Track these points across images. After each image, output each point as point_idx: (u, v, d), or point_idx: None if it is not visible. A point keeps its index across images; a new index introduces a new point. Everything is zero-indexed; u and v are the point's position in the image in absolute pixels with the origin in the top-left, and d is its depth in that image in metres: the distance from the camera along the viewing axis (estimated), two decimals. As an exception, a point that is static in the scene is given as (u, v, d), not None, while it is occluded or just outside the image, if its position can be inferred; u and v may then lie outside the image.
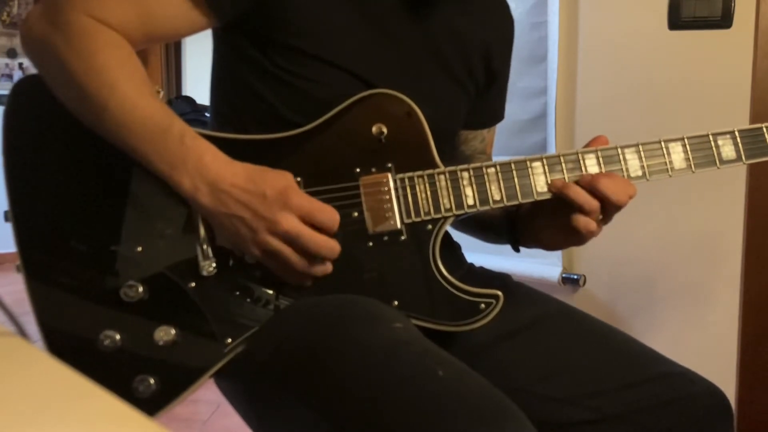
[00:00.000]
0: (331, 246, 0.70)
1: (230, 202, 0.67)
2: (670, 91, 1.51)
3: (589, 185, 0.74)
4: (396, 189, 0.75)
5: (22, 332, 0.46)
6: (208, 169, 0.67)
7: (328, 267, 0.72)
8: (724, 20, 1.44)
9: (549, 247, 0.84)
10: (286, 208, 0.67)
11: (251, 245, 0.69)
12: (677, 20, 1.48)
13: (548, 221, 0.80)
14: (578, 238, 0.77)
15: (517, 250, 0.89)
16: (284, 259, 0.69)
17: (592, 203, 0.74)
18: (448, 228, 0.96)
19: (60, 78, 0.71)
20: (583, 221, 0.75)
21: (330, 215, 0.69)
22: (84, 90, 0.68)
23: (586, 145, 0.79)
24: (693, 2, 1.46)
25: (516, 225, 0.87)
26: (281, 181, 0.68)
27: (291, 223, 0.67)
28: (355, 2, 0.79)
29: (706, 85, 1.47)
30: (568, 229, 0.77)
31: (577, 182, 0.76)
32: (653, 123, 1.51)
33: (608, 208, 0.75)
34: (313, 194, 0.74)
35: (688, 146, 0.78)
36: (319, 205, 0.69)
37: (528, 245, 0.87)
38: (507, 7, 0.96)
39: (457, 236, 0.98)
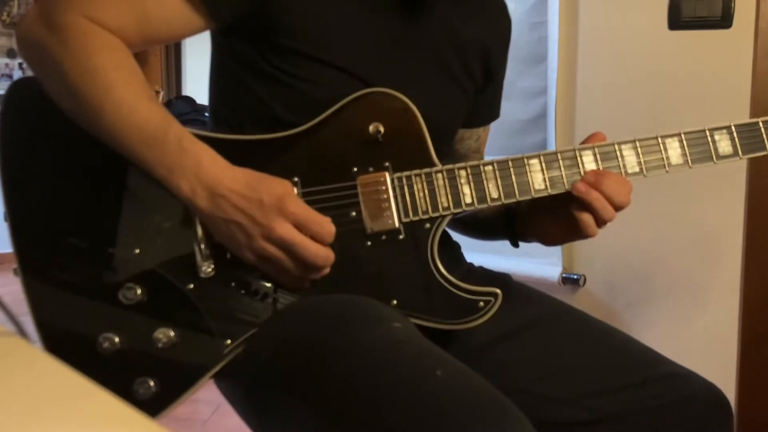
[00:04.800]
0: (325, 255, 0.69)
1: (227, 206, 0.67)
2: (670, 91, 1.51)
3: (593, 186, 0.74)
4: (394, 188, 0.75)
5: (22, 332, 0.46)
6: (206, 172, 0.67)
7: (324, 272, 0.71)
8: (724, 20, 1.44)
9: (548, 241, 0.83)
10: (282, 216, 0.67)
11: (247, 250, 0.69)
12: (677, 20, 1.48)
13: (548, 214, 0.80)
14: (579, 234, 0.77)
15: (516, 245, 0.89)
16: (279, 265, 0.69)
17: (611, 213, 0.74)
18: (447, 227, 0.96)
19: (56, 80, 0.71)
20: (586, 218, 0.75)
21: (324, 227, 0.69)
22: (80, 93, 0.68)
23: (584, 142, 0.79)
24: (693, 2, 1.46)
25: (515, 220, 0.87)
26: (279, 188, 0.68)
27: (286, 230, 0.67)
28: (353, 3, 0.79)
29: (706, 85, 1.47)
30: (568, 223, 0.77)
31: (579, 181, 0.75)
32: (653, 123, 1.51)
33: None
34: (310, 194, 0.74)
35: (684, 141, 0.78)
36: (315, 216, 0.69)
37: (527, 240, 0.87)
38: (504, 6, 0.96)
39: (457, 236, 0.98)
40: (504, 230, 0.89)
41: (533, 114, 1.73)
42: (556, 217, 0.79)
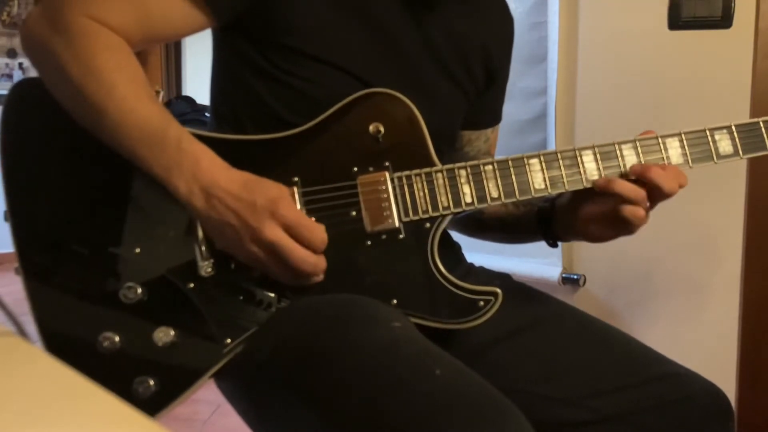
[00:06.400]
0: (314, 262, 0.68)
1: (221, 207, 0.67)
2: (670, 91, 1.51)
3: (641, 175, 0.75)
4: (394, 188, 0.75)
5: (22, 332, 0.46)
6: (203, 173, 0.67)
7: (317, 278, 0.71)
8: (724, 20, 1.44)
9: (597, 239, 0.81)
10: (272, 218, 0.66)
11: (238, 252, 0.69)
12: (677, 20, 1.48)
13: (594, 213, 0.79)
14: (628, 227, 0.77)
15: (554, 245, 0.88)
16: (267, 268, 0.69)
17: (639, 193, 0.74)
18: (465, 234, 0.96)
19: (59, 80, 0.71)
20: (629, 210, 0.75)
21: (315, 233, 0.68)
22: (82, 92, 0.68)
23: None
24: (693, 2, 1.46)
25: (553, 219, 0.86)
26: (274, 191, 0.68)
27: (274, 233, 0.66)
28: (354, 3, 0.79)
29: (706, 86, 1.47)
30: (616, 220, 0.77)
31: (626, 173, 0.76)
32: (653, 123, 1.49)
33: (656, 197, 0.76)
34: (310, 193, 0.74)
35: (685, 141, 0.78)
36: (306, 221, 0.68)
37: (568, 239, 0.87)
38: (506, 6, 0.96)
39: (457, 236, 0.98)
40: (539, 231, 0.88)
41: (533, 114, 1.73)
42: (604, 216, 0.78)
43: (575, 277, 1.66)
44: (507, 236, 0.96)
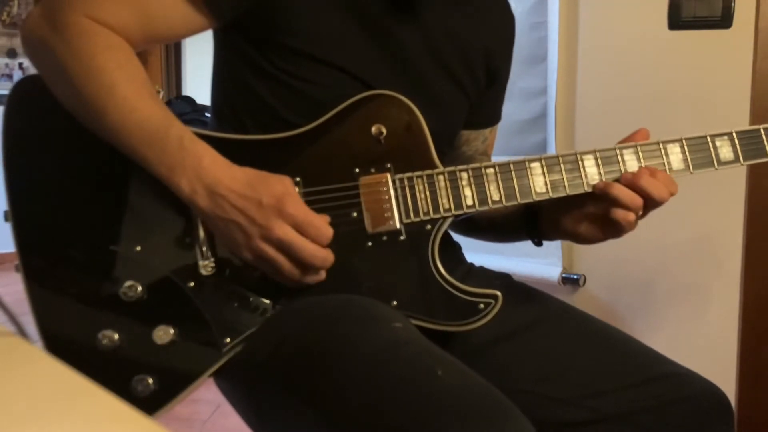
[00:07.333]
0: (323, 256, 0.69)
1: (227, 206, 0.67)
2: (670, 92, 1.51)
3: (631, 183, 0.75)
4: (395, 189, 0.75)
5: (22, 332, 0.46)
6: (206, 172, 0.67)
7: (322, 275, 0.71)
8: (724, 20, 1.44)
9: (585, 240, 0.82)
10: (280, 216, 0.67)
11: (245, 250, 0.69)
12: (677, 20, 1.48)
13: (586, 214, 0.80)
14: (617, 231, 0.77)
15: (539, 244, 0.88)
16: (277, 265, 0.69)
17: (636, 200, 0.75)
18: (459, 234, 0.96)
19: (59, 80, 0.71)
20: (621, 214, 0.75)
21: (320, 230, 0.69)
22: (83, 92, 0.68)
23: (626, 140, 0.79)
24: (693, 2, 1.46)
25: (539, 218, 0.86)
26: (279, 188, 0.68)
27: (284, 231, 0.67)
28: (354, 3, 0.79)
29: (706, 86, 1.47)
30: (606, 222, 0.77)
31: (618, 179, 0.76)
32: (653, 123, 1.49)
33: (648, 204, 0.76)
34: (312, 194, 0.74)
35: (686, 147, 0.79)
36: (313, 217, 0.69)
37: (553, 238, 0.87)
38: (507, 6, 0.96)
39: (457, 236, 0.98)
40: (525, 230, 0.88)
41: (533, 114, 1.73)
42: (593, 217, 0.79)
43: (575, 277, 1.66)
44: (497, 236, 0.96)
